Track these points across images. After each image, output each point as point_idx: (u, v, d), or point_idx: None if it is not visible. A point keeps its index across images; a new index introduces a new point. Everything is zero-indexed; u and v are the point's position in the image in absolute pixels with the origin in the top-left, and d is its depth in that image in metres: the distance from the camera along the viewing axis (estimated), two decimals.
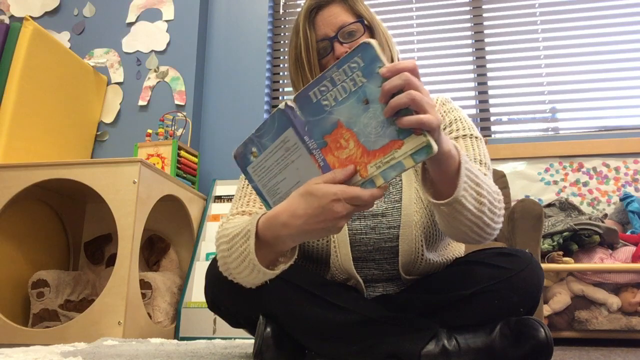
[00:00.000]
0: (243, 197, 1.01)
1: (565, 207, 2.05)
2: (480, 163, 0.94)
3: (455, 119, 1.02)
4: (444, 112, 1.04)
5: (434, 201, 0.76)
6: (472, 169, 0.76)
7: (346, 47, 0.99)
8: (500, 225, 0.85)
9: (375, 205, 0.98)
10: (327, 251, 0.97)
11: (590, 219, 1.89)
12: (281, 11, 2.88)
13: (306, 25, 1.02)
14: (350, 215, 0.69)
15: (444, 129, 1.00)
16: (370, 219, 0.98)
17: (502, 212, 0.84)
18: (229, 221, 0.92)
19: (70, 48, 2.73)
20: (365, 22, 1.02)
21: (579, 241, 1.80)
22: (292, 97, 0.70)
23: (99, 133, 2.65)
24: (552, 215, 2.00)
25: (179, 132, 2.51)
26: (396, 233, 0.96)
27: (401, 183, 1.00)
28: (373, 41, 0.64)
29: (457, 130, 1.00)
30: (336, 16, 1.01)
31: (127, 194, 1.76)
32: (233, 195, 2.22)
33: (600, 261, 1.77)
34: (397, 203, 0.98)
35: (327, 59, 1.02)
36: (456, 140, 0.98)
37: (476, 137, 0.99)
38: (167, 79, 2.66)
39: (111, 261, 2.11)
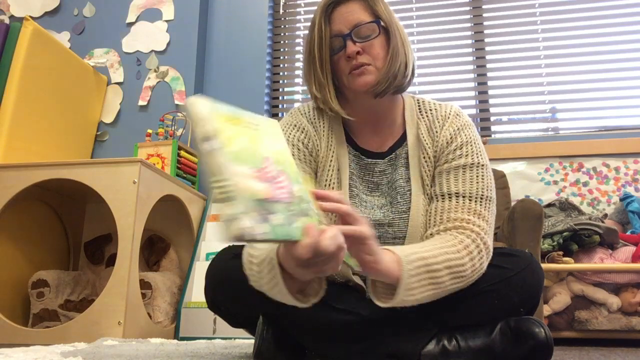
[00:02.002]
0: None
1: (565, 207, 2.05)
2: (482, 198, 0.93)
3: (467, 142, 0.99)
4: (458, 127, 1.01)
5: (383, 305, 0.82)
6: (420, 264, 0.81)
7: (359, 47, 0.96)
8: (479, 271, 0.88)
9: (382, 215, 0.98)
10: None
11: (590, 219, 1.88)
12: (281, 11, 2.88)
13: (322, 19, 0.99)
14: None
15: (454, 150, 0.98)
16: (376, 228, 0.96)
17: (476, 262, 0.87)
18: None
19: (70, 48, 2.73)
20: (382, 23, 0.99)
21: (579, 241, 1.80)
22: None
23: (99, 133, 2.65)
24: (552, 215, 2.00)
25: (179, 132, 2.51)
26: (401, 243, 0.96)
27: (409, 194, 0.99)
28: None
29: (465, 155, 0.97)
30: (353, 13, 0.98)
31: (127, 194, 1.76)
32: None
33: (600, 261, 1.77)
34: (404, 214, 0.97)
35: (339, 55, 0.99)
36: (463, 169, 0.96)
37: (482, 165, 0.97)
38: (167, 79, 2.65)
39: (111, 261, 2.10)
